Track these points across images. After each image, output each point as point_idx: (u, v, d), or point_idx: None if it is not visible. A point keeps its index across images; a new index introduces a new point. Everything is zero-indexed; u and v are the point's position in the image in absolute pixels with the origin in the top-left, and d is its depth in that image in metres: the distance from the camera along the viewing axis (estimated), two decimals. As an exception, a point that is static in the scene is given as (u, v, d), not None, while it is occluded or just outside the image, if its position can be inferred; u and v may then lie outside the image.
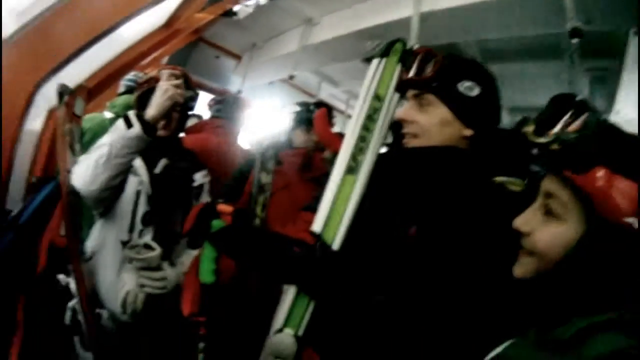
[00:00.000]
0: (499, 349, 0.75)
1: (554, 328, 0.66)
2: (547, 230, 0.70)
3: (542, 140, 0.69)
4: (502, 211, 0.83)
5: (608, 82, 2.90)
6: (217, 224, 1.12)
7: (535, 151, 0.71)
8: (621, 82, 2.07)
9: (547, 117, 0.71)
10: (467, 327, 0.89)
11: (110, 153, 1.39)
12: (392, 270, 0.99)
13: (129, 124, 1.40)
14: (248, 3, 2.99)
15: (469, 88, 1.03)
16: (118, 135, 1.40)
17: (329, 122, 2.08)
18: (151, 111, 1.44)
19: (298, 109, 2.16)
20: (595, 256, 0.65)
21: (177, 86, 1.48)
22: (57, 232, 1.73)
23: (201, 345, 1.23)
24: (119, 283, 1.50)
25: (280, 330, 1.00)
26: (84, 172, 1.43)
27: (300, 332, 1.00)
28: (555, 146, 0.67)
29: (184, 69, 1.64)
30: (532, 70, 3.18)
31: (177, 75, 1.53)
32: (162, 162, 1.66)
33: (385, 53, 1.14)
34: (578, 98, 0.70)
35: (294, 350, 0.97)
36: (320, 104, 2.17)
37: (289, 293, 1.02)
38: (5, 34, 1.21)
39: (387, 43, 1.15)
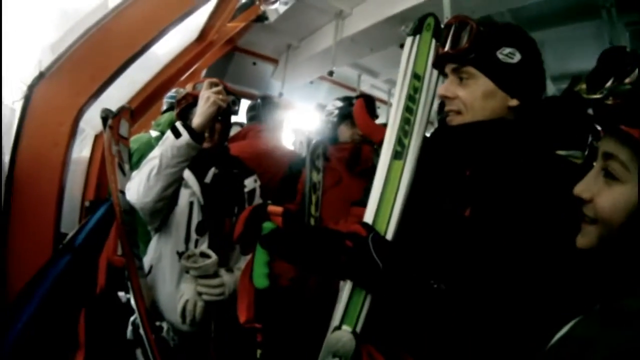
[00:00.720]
0: (565, 329, 0.70)
1: (621, 300, 0.61)
2: (609, 193, 0.65)
3: (595, 95, 0.64)
4: (559, 183, 0.78)
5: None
6: (267, 226, 1.10)
7: (590, 110, 0.66)
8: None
9: (599, 73, 0.65)
10: (531, 309, 0.83)
11: (161, 164, 1.43)
12: (450, 255, 0.94)
13: (177, 134, 1.43)
14: (276, 5, 2.98)
15: (509, 55, 0.95)
16: (167, 145, 1.43)
17: (373, 113, 2.02)
18: (197, 119, 1.47)
19: (340, 104, 2.12)
20: None
21: (218, 92, 1.49)
22: (113, 252, 1.80)
23: (259, 352, 1.22)
24: (178, 294, 1.54)
25: (338, 328, 0.98)
26: (138, 186, 1.47)
27: (359, 329, 0.97)
28: (610, 100, 0.62)
29: (219, 79, 1.66)
30: (570, 34, 2.99)
31: (216, 83, 1.55)
32: (212, 172, 1.69)
33: (417, 30, 1.10)
34: (629, 49, 0.65)
35: (353, 347, 0.95)
36: (361, 97, 2.11)
37: (345, 289, 1.00)
38: (42, 67, 1.26)
39: (419, 19, 1.10)
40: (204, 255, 1.52)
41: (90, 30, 1.33)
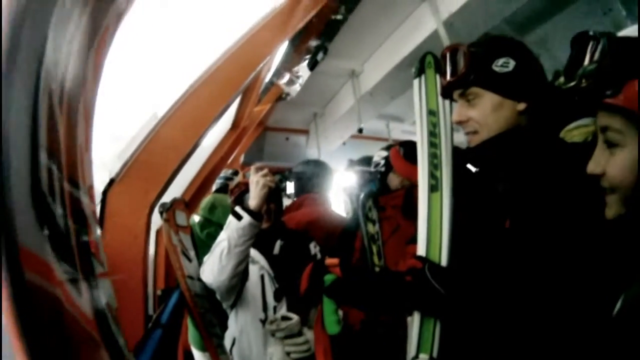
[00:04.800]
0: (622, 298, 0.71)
1: None
2: (615, 161, 0.71)
3: (571, 84, 0.72)
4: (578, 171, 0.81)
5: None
6: (329, 277, 1.20)
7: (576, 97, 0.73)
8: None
9: (572, 62, 0.73)
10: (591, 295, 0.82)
11: (230, 245, 1.59)
12: (500, 266, 0.97)
13: (238, 217, 1.60)
14: (291, 85, 3.23)
15: (504, 64, 1.02)
16: (232, 228, 1.60)
17: (415, 157, 2.08)
18: (253, 202, 1.65)
19: (385, 153, 2.18)
20: None
21: (265, 175, 1.68)
22: (188, 339, 1.90)
23: None
24: (267, 357, 1.62)
25: (415, 357, 1.01)
26: (212, 268, 1.63)
27: (435, 354, 1.00)
28: (583, 83, 0.69)
29: (260, 162, 1.83)
30: (571, 20, 2.85)
31: (262, 167, 1.75)
32: (278, 243, 1.85)
33: (421, 70, 1.19)
34: (591, 33, 0.72)
35: None
36: (401, 144, 2.20)
37: (414, 320, 1.04)
38: (112, 175, 1.46)
39: (419, 60, 1.20)
40: (285, 318, 1.60)
41: (148, 137, 1.55)
